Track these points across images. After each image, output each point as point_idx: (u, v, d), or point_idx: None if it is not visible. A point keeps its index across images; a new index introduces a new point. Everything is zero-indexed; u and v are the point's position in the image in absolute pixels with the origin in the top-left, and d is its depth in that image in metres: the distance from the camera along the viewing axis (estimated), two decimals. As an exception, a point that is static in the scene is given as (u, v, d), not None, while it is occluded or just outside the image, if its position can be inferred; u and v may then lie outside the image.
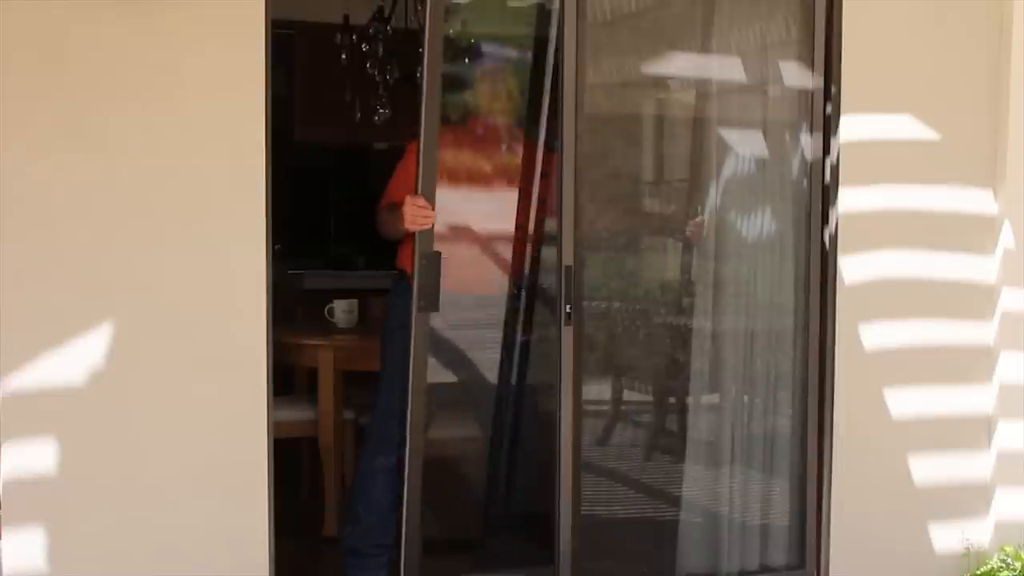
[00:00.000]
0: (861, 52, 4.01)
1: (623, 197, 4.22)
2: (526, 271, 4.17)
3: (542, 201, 4.15)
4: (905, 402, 4.17)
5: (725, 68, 4.11)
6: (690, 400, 4.16)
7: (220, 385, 3.37)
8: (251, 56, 3.36)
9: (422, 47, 3.46)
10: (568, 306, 3.69)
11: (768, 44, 4.10)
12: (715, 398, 4.14)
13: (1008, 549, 4.18)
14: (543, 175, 4.16)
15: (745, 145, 4.15)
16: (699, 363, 4.12)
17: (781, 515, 4.14)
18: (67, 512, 3.24)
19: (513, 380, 4.24)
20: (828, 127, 4.00)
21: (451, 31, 4.14)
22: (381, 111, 6.00)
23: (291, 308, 5.69)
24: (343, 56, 5.96)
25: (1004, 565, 4.13)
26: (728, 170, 4.12)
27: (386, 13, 5.79)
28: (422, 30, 3.48)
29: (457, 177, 4.04)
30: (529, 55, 4.21)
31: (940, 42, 4.19)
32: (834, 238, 4.01)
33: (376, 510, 3.96)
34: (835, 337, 4.03)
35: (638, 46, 4.11)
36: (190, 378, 3.33)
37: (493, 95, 4.15)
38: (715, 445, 4.11)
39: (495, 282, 4.13)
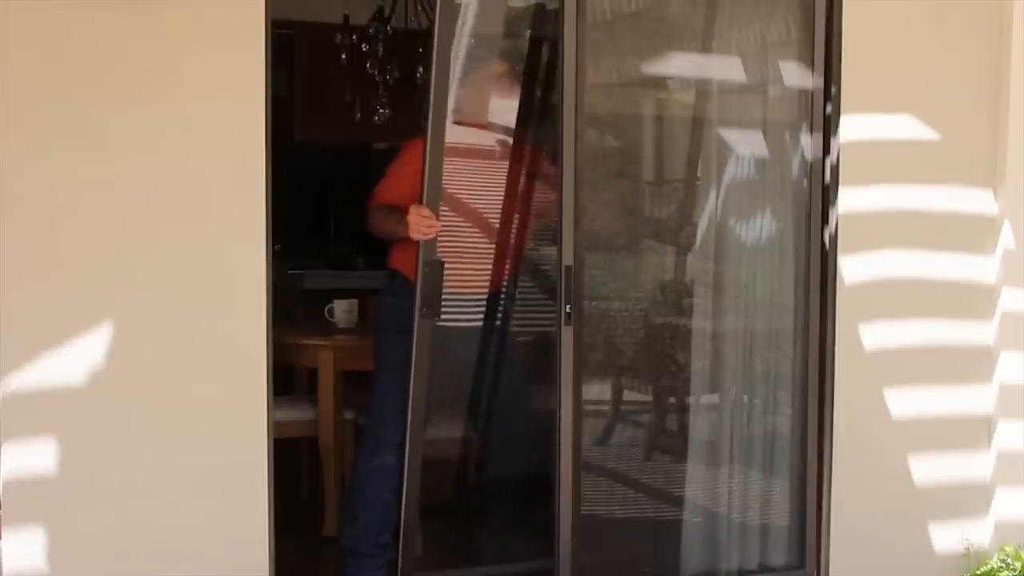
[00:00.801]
0: (861, 52, 4.01)
1: (622, 197, 4.22)
2: (507, 272, 4.20)
3: (527, 201, 4.18)
4: (905, 402, 4.17)
5: (725, 68, 4.11)
6: (690, 400, 4.16)
7: (220, 385, 3.37)
8: (251, 56, 3.36)
9: (423, 48, 3.46)
10: (568, 306, 3.69)
11: (768, 44, 4.10)
12: (715, 398, 4.15)
13: (1008, 549, 4.18)
14: (530, 175, 4.18)
15: (745, 145, 4.15)
16: (699, 363, 4.12)
17: (781, 515, 4.14)
18: (67, 512, 3.24)
19: (497, 379, 4.28)
20: (828, 127, 4.00)
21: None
22: (381, 111, 6.01)
23: (291, 308, 5.69)
24: (343, 56, 5.96)
25: (1004, 565, 4.13)
26: (728, 170, 4.12)
27: (386, 13, 5.80)
28: (427, 32, 3.48)
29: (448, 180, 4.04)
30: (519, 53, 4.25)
31: (940, 42, 4.19)
32: (834, 238, 4.01)
33: (373, 510, 3.96)
34: (835, 337, 4.03)
35: (638, 46, 4.11)
36: (190, 378, 3.33)
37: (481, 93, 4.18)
38: (715, 445, 4.11)
39: (481, 281, 4.14)
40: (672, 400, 4.28)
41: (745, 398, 4.15)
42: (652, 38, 4.15)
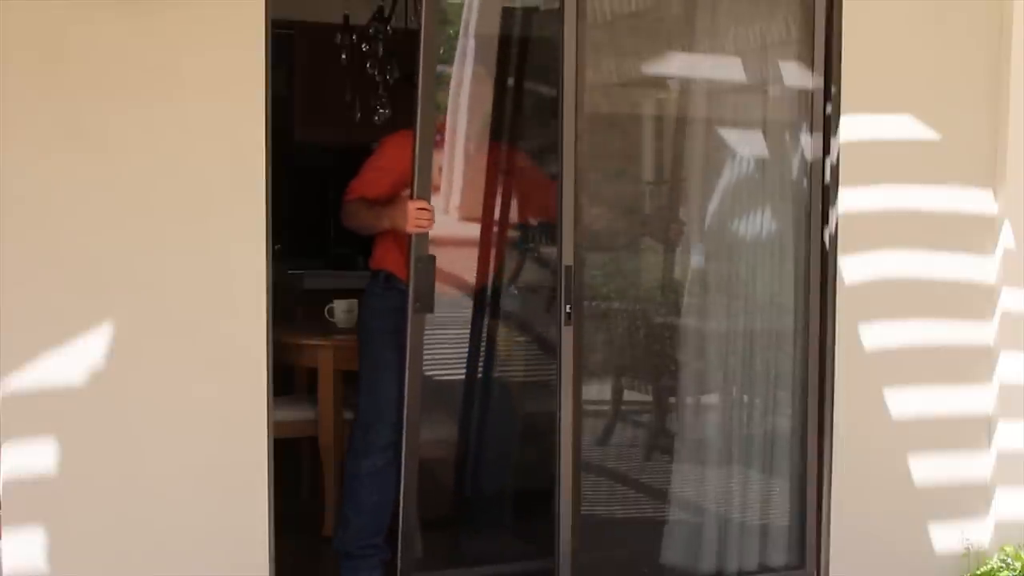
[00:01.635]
0: (861, 52, 4.01)
1: (621, 198, 4.22)
2: (491, 268, 4.23)
3: (507, 199, 4.20)
4: (905, 402, 4.17)
5: (725, 68, 4.11)
6: (690, 400, 4.16)
7: (220, 385, 3.37)
8: (251, 56, 3.36)
9: (419, 48, 3.50)
10: (568, 306, 3.69)
11: (768, 44, 4.10)
12: (715, 398, 4.15)
13: (1008, 549, 4.18)
14: (507, 173, 4.20)
15: (745, 145, 4.15)
16: (699, 363, 4.12)
17: (781, 515, 4.14)
18: (67, 512, 3.24)
19: (483, 376, 4.29)
20: (828, 127, 4.01)
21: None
22: (381, 111, 6.00)
23: (291, 308, 5.69)
24: (343, 56, 5.95)
25: (1004, 565, 4.13)
26: (728, 170, 4.12)
27: (386, 13, 5.79)
28: (420, 31, 3.51)
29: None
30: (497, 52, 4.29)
31: (940, 42, 4.19)
32: (834, 238, 4.01)
33: (364, 512, 3.95)
34: (835, 337, 4.03)
35: (638, 46, 4.11)
36: (190, 378, 3.33)
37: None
38: (715, 445, 4.11)
39: (467, 280, 4.16)
40: (672, 400, 4.28)
41: (745, 398, 4.15)
42: (652, 38, 4.15)
